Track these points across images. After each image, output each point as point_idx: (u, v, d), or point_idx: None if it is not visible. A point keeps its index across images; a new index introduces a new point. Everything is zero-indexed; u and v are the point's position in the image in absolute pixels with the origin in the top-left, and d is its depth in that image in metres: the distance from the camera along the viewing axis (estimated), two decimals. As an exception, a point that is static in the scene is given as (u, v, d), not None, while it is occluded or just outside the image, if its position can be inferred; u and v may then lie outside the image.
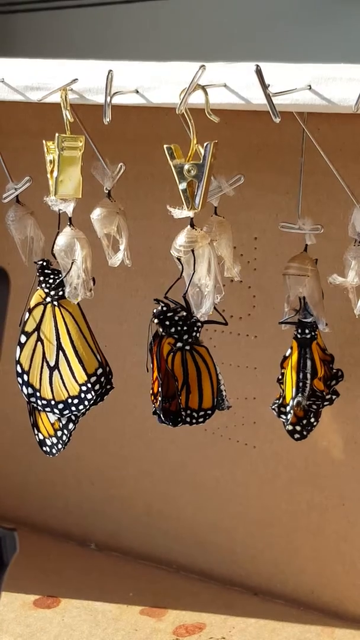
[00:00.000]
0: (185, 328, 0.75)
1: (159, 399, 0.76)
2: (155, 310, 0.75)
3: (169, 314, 0.75)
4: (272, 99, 0.60)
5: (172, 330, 0.75)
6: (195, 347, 0.76)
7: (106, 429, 0.97)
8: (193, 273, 0.68)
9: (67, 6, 1.34)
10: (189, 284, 0.69)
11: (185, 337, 0.75)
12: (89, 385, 0.78)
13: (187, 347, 0.76)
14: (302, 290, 0.71)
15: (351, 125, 0.75)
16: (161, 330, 0.75)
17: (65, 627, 0.86)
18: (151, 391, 0.77)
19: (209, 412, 0.77)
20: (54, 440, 0.81)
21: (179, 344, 0.76)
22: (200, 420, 0.77)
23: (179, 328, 0.75)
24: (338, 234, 0.74)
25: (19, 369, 0.80)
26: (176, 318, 0.75)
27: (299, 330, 0.73)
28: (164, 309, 0.75)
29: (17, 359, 0.79)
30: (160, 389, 0.75)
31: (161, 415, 0.76)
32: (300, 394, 0.73)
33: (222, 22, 1.24)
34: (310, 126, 0.69)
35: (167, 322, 0.75)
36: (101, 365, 0.78)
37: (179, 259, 0.68)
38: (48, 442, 0.81)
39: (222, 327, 0.82)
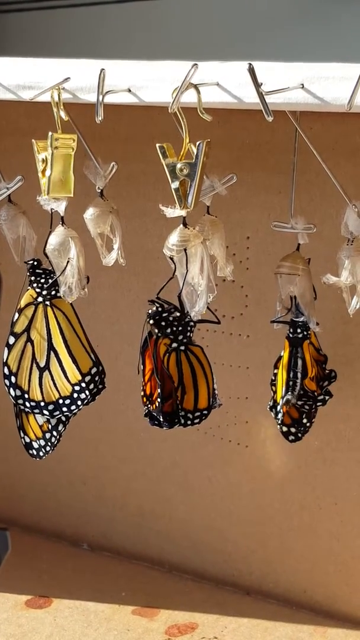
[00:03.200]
0: (180, 328, 0.75)
1: (158, 401, 0.75)
2: (150, 311, 0.75)
3: (164, 315, 0.75)
4: (265, 98, 0.60)
5: (168, 330, 0.75)
6: (190, 347, 0.76)
7: (98, 429, 0.96)
8: (187, 272, 0.68)
9: (60, 6, 1.34)
10: (182, 284, 0.68)
11: (180, 337, 0.75)
12: (83, 384, 0.77)
13: (182, 347, 0.76)
14: (294, 289, 0.71)
15: (344, 124, 0.75)
16: (157, 331, 0.75)
17: (57, 627, 0.86)
18: (142, 393, 0.77)
19: (205, 412, 0.77)
20: (42, 442, 0.80)
21: (174, 345, 0.75)
22: (196, 421, 0.77)
23: (174, 328, 0.75)
24: (331, 233, 0.74)
25: (6, 370, 0.79)
26: (171, 318, 0.75)
27: (291, 330, 0.73)
28: (159, 309, 0.75)
29: (4, 360, 0.79)
30: (159, 390, 0.75)
31: (160, 417, 0.76)
32: (290, 393, 0.73)
33: (216, 22, 1.24)
34: (303, 125, 0.69)
35: (163, 323, 0.75)
36: (95, 364, 0.78)
37: (171, 258, 0.68)
38: (35, 444, 0.80)
39: (215, 327, 0.82)
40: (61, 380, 0.78)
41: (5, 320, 0.81)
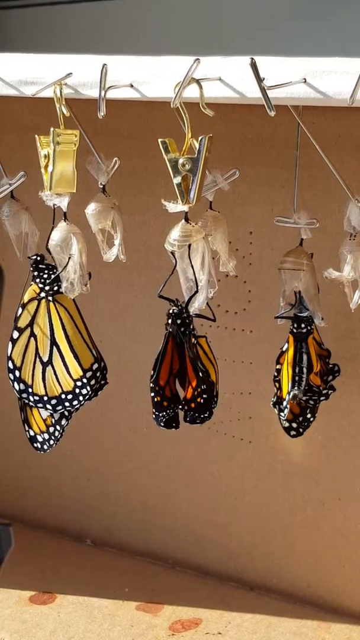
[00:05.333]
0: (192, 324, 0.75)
1: (203, 397, 0.75)
2: (172, 312, 0.74)
3: (184, 313, 0.74)
4: (267, 92, 0.60)
5: (191, 327, 0.75)
6: (198, 340, 0.76)
7: (101, 424, 0.96)
8: (192, 267, 0.68)
9: (61, 1, 1.34)
10: (186, 279, 0.68)
11: (194, 332, 0.75)
12: (85, 380, 0.77)
13: (194, 341, 0.75)
14: (298, 284, 0.71)
15: (346, 118, 0.75)
16: (183, 329, 0.74)
17: (61, 623, 0.86)
18: (158, 399, 0.76)
19: (216, 399, 0.77)
20: (46, 436, 0.80)
21: (193, 340, 0.75)
22: (214, 406, 0.77)
23: (191, 325, 0.75)
24: (333, 228, 0.74)
25: (10, 365, 0.79)
26: (185, 315, 0.75)
27: (295, 325, 0.73)
28: (180, 307, 0.74)
29: (9, 354, 0.79)
30: (204, 386, 0.74)
31: (205, 413, 0.76)
32: (296, 388, 0.73)
33: (218, 16, 1.24)
34: (305, 120, 0.68)
35: (187, 320, 0.74)
36: (97, 360, 0.78)
37: (172, 254, 0.68)
38: (39, 438, 0.81)
39: (218, 322, 0.82)
40: (64, 375, 0.78)
41: (8, 316, 0.81)
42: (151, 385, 0.75)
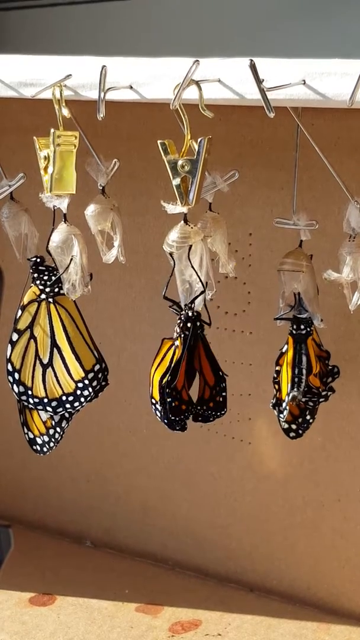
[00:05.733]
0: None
1: (223, 394, 0.75)
2: (191, 315, 0.73)
3: (194, 315, 0.74)
4: (267, 94, 0.59)
5: (203, 327, 0.75)
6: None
7: (101, 425, 0.96)
8: (193, 268, 0.68)
9: (61, 3, 1.34)
10: (195, 280, 0.68)
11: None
12: (86, 381, 0.77)
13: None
14: (297, 286, 0.71)
15: (345, 120, 0.75)
16: (200, 332, 0.74)
17: (61, 625, 0.86)
18: (175, 403, 0.75)
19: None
20: (45, 438, 0.80)
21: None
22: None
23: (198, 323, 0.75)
24: (333, 229, 0.74)
25: (9, 367, 0.79)
26: (194, 317, 0.74)
27: (294, 326, 0.73)
28: (192, 309, 0.73)
29: (8, 357, 0.79)
30: (223, 384, 0.75)
31: (224, 411, 0.76)
32: (295, 389, 0.73)
33: (217, 18, 1.24)
34: (305, 121, 0.69)
35: (198, 323, 0.74)
36: (98, 361, 0.78)
37: (171, 255, 0.68)
38: (39, 440, 0.81)
39: (217, 324, 0.82)
40: (64, 377, 0.78)
41: (8, 317, 0.81)
42: (168, 390, 0.74)
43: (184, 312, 0.73)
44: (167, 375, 0.74)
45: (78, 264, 0.73)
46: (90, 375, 0.78)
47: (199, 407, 0.76)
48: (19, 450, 0.98)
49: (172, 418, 0.75)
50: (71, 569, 0.96)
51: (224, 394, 0.76)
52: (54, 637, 0.85)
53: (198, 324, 0.73)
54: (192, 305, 0.72)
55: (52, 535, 1.02)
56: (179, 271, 0.69)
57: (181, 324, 0.73)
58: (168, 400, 0.74)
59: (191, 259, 0.68)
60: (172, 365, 0.73)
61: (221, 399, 0.76)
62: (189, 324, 0.73)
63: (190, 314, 0.73)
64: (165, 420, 0.75)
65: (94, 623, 0.87)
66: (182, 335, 0.73)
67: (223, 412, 0.76)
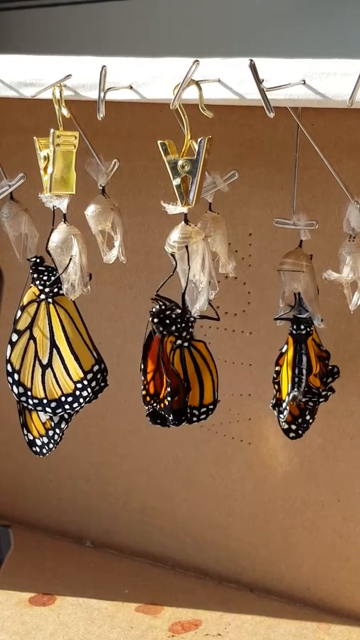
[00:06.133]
0: (183, 325, 0.75)
1: (167, 399, 0.75)
2: (153, 310, 0.75)
3: (167, 312, 0.75)
4: (266, 94, 0.59)
5: (172, 328, 0.75)
6: (193, 343, 0.76)
7: (100, 426, 0.96)
8: (189, 269, 0.68)
9: (61, 3, 1.34)
10: (186, 281, 0.68)
11: (184, 334, 0.75)
12: (85, 382, 0.77)
13: (186, 344, 0.75)
14: (297, 286, 0.71)
15: (345, 120, 0.75)
16: (162, 329, 0.75)
17: (60, 625, 0.86)
18: (144, 392, 0.77)
19: (211, 407, 0.77)
20: (45, 440, 0.80)
21: (178, 342, 0.75)
22: (202, 417, 0.77)
23: (177, 326, 0.75)
24: (333, 229, 0.74)
25: (9, 368, 0.79)
26: (173, 316, 0.75)
27: (294, 326, 0.73)
28: (162, 307, 0.75)
29: (7, 357, 0.79)
30: (168, 388, 0.75)
31: (170, 416, 0.76)
32: (296, 389, 0.73)
33: (217, 18, 1.24)
34: (305, 121, 0.68)
35: (167, 321, 0.75)
36: (97, 361, 0.78)
37: (172, 255, 0.68)
38: (38, 442, 0.81)
39: (217, 324, 0.82)
40: (63, 377, 0.78)
41: (8, 318, 0.81)
42: (141, 378, 0.76)
43: (155, 306, 0.74)
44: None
45: (77, 264, 0.73)
46: (89, 375, 0.78)
47: (155, 403, 0.76)
48: (19, 450, 0.98)
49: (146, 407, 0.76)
50: (71, 569, 0.96)
51: (168, 398, 0.75)
52: (53, 637, 0.85)
53: (157, 320, 0.74)
54: (183, 307, 0.73)
55: (52, 535, 1.02)
56: (182, 271, 0.69)
57: (150, 317, 0.75)
58: (141, 387, 0.76)
59: (193, 259, 0.68)
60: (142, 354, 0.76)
61: (167, 403, 0.76)
62: (155, 319, 0.74)
63: (155, 309, 0.74)
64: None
65: (93, 623, 0.87)
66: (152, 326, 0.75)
67: (170, 417, 0.76)
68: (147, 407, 0.77)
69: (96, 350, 0.78)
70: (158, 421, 0.77)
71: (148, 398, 0.77)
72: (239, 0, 1.23)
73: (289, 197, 0.75)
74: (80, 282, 0.74)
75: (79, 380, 0.77)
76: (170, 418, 0.76)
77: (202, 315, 0.72)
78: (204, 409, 0.77)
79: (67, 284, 0.74)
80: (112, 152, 0.75)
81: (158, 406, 0.76)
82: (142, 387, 0.77)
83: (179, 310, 0.75)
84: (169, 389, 0.75)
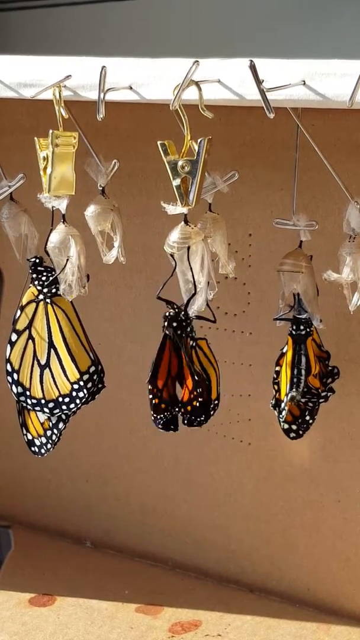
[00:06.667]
0: (191, 326, 0.75)
1: (199, 400, 0.75)
2: (169, 314, 0.74)
3: (180, 315, 0.74)
4: (266, 95, 0.59)
5: (188, 329, 0.75)
6: (198, 343, 0.76)
7: (100, 426, 0.96)
8: (191, 269, 0.68)
9: (61, 4, 1.34)
10: (188, 281, 0.68)
11: (192, 334, 0.75)
12: (82, 383, 0.77)
13: (193, 344, 0.75)
14: (297, 286, 0.71)
15: (345, 120, 0.75)
16: (180, 332, 0.74)
17: (60, 625, 0.86)
18: (156, 401, 0.75)
19: (216, 402, 0.77)
20: (43, 440, 0.80)
21: (192, 342, 0.75)
22: (211, 413, 0.77)
23: (190, 327, 0.75)
24: (333, 230, 0.74)
25: (8, 367, 0.79)
26: (181, 318, 0.74)
27: (294, 327, 0.73)
28: (177, 310, 0.74)
29: (7, 357, 0.79)
30: (199, 389, 0.74)
31: (202, 417, 0.76)
32: (294, 390, 0.73)
33: (217, 19, 1.24)
34: (305, 122, 0.68)
35: (184, 323, 0.74)
36: (94, 363, 0.78)
37: (172, 256, 0.68)
38: (37, 442, 0.81)
39: (217, 324, 0.82)
40: (61, 378, 0.78)
41: (8, 318, 0.81)
42: (149, 387, 0.75)
43: (170, 311, 0.73)
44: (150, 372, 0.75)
45: (74, 264, 0.73)
46: (85, 376, 0.78)
47: (177, 409, 0.76)
48: (19, 451, 0.98)
49: (154, 415, 0.75)
50: (71, 570, 0.96)
51: (200, 399, 0.75)
52: (53, 637, 0.85)
53: (175, 324, 0.73)
54: (185, 307, 0.72)
55: (52, 535, 1.02)
56: (181, 272, 0.69)
57: (165, 322, 0.73)
58: (149, 397, 0.75)
59: (192, 260, 0.68)
60: (153, 361, 0.74)
61: (197, 404, 0.75)
62: (174, 324, 0.73)
63: (167, 314, 0.73)
64: (152, 417, 0.75)
65: (93, 623, 0.87)
66: (163, 334, 0.73)
67: (202, 418, 0.76)
68: (160, 416, 0.76)
69: (93, 352, 0.78)
70: (171, 427, 0.77)
71: (163, 405, 0.76)
72: (238, 1, 1.23)
73: (289, 197, 0.75)
74: (77, 282, 0.74)
75: (75, 381, 0.77)
76: (202, 418, 0.76)
77: (198, 316, 0.72)
78: (211, 405, 0.77)
79: (64, 285, 0.74)
80: (111, 152, 0.75)
81: (182, 410, 0.76)
82: (152, 396, 0.76)
83: (170, 312, 0.74)
84: (199, 390, 0.75)
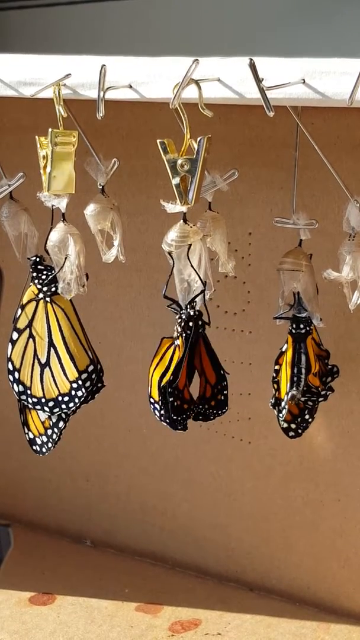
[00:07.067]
0: (202, 320, 0.75)
1: (224, 393, 0.75)
2: (186, 316, 0.73)
3: (195, 312, 0.74)
4: (266, 93, 0.59)
5: (200, 323, 0.74)
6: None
7: (101, 425, 0.96)
8: (192, 267, 0.68)
9: (60, 2, 1.34)
10: (194, 279, 0.68)
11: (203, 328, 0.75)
12: (80, 382, 0.77)
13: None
14: (297, 285, 0.71)
15: (345, 119, 0.75)
16: (200, 330, 0.74)
17: (60, 624, 0.86)
18: (177, 403, 0.75)
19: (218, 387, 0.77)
20: (44, 439, 0.80)
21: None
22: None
23: (200, 321, 0.75)
24: (332, 228, 0.74)
25: (10, 366, 0.79)
26: (196, 314, 0.74)
27: (294, 326, 0.73)
28: (194, 310, 0.73)
29: (8, 356, 0.79)
30: (224, 382, 0.75)
31: (225, 409, 0.76)
32: (295, 388, 0.73)
33: (217, 17, 1.24)
34: (304, 120, 0.68)
35: (200, 322, 0.74)
36: (92, 362, 0.78)
37: (170, 254, 0.68)
38: (38, 440, 0.81)
39: (217, 323, 0.82)
40: (60, 377, 0.78)
41: (8, 317, 0.81)
42: (170, 390, 0.74)
43: (184, 311, 0.72)
44: (169, 374, 0.73)
45: (73, 263, 0.73)
46: (84, 376, 0.78)
47: (200, 406, 0.76)
48: (19, 450, 0.98)
49: (175, 418, 0.75)
50: (71, 569, 0.96)
51: (225, 392, 0.76)
52: (53, 636, 0.85)
53: (200, 322, 0.73)
54: (194, 304, 0.72)
55: (52, 534, 1.02)
56: (178, 270, 0.69)
57: (182, 323, 0.73)
58: (170, 400, 0.74)
59: (190, 258, 0.68)
60: (174, 364, 0.73)
61: (222, 397, 0.76)
62: (190, 323, 0.73)
63: (191, 312, 0.72)
64: (167, 420, 0.74)
65: (93, 622, 0.87)
66: (184, 335, 0.73)
67: (224, 410, 0.76)
68: (181, 417, 0.75)
69: (92, 351, 0.78)
70: (179, 428, 0.77)
71: (185, 406, 0.76)
72: (238, 0, 1.23)
73: (289, 196, 0.75)
74: (76, 281, 0.74)
75: (74, 380, 0.77)
76: (224, 410, 0.76)
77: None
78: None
79: (62, 283, 0.74)
80: (111, 151, 0.75)
81: (205, 406, 0.76)
82: (173, 398, 0.74)
83: (190, 311, 0.74)
84: (225, 383, 0.75)
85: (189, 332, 0.73)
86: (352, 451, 0.83)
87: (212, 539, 0.93)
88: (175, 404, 0.74)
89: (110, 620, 0.87)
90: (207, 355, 0.75)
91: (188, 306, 0.72)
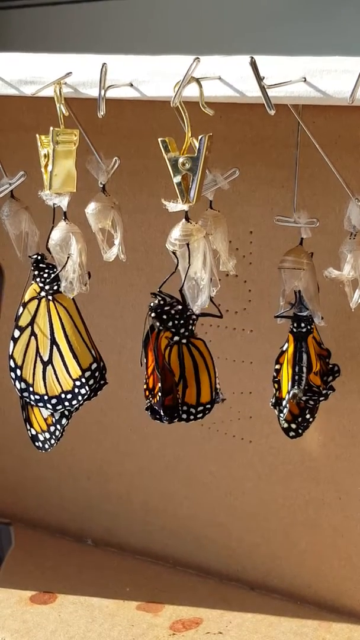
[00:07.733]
0: (181, 322, 0.75)
1: (158, 394, 0.75)
2: (151, 304, 0.75)
3: (165, 308, 0.75)
4: (267, 92, 0.59)
5: (170, 324, 0.75)
6: (192, 340, 0.76)
7: (102, 424, 0.96)
8: (189, 266, 0.68)
9: (61, 1, 1.34)
10: (184, 278, 0.68)
11: (182, 330, 0.75)
12: (83, 380, 0.77)
13: (184, 341, 0.75)
14: (298, 283, 0.71)
15: (346, 117, 0.75)
16: (158, 324, 0.75)
17: (61, 623, 0.86)
18: (145, 386, 0.77)
19: (208, 406, 0.77)
20: (47, 435, 0.80)
21: (176, 338, 0.75)
22: (199, 415, 0.77)
23: (175, 322, 0.75)
24: (334, 227, 0.74)
25: (12, 363, 0.79)
26: (172, 312, 0.75)
27: (295, 324, 0.73)
28: (161, 302, 0.75)
29: (10, 353, 0.79)
30: (160, 384, 0.75)
31: (160, 411, 0.76)
32: (296, 387, 0.73)
33: (217, 16, 1.24)
34: (305, 119, 0.68)
35: (165, 316, 0.75)
36: (95, 360, 0.78)
37: (174, 253, 0.68)
38: (40, 437, 0.81)
39: (218, 322, 0.82)
40: (63, 374, 0.78)
41: (9, 315, 0.81)
42: (145, 372, 0.76)
43: (154, 301, 0.74)
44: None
45: (75, 261, 0.73)
46: (87, 373, 0.78)
47: (151, 398, 0.77)
48: (20, 448, 0.98)
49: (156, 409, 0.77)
50: (72, 567, 0.96)
51: (160, 394, 0.76)
52: (54, 635, 0.85)
53: (154, 315, 0.74)
54: (162, 300, 0.73)
55: (53, 533, 1.02)
56: (183, 269, 0.69)
57: (148, 310, 0.75)
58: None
59: (194, 257, 0.68)
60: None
61: (158, 399, 0.76)
62: (152, 314, 0.75)
63: (151, 304, 0.74)
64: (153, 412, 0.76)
65: (94, 621, 0.87)
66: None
67: (161, 412, 0.76)
68: (146, 402, 0.77)
69: (95, 349, 0.79)
70: (157, 416, 0.77)
71: (147, 392, 0.77)
72: (241, 2, 1.23)
73: (290, 194, 0.75)
74: (78, 280, 0.74)
75: (77, 378, 0.78)
76: (159, 413, 0.76)
77: (203, 313, 0.72)
78: (200, 408, 0.77)
79: (65, 282, 0.74)
80: (112, 149, 0.75)
81: (152, 400, 0.76)
82: (144, 381, 0.77)
83: (179, 307, 0.75)
84: (160, 384, 0.75)
85: (150, 322, 0.75)
86: (353, 450, 0.83)
87: (213, 537, 0.93)
88: (144, 386, 0.77)
89: (111, 619, 0.87)
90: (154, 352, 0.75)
91: (162, 301, 0.74)
